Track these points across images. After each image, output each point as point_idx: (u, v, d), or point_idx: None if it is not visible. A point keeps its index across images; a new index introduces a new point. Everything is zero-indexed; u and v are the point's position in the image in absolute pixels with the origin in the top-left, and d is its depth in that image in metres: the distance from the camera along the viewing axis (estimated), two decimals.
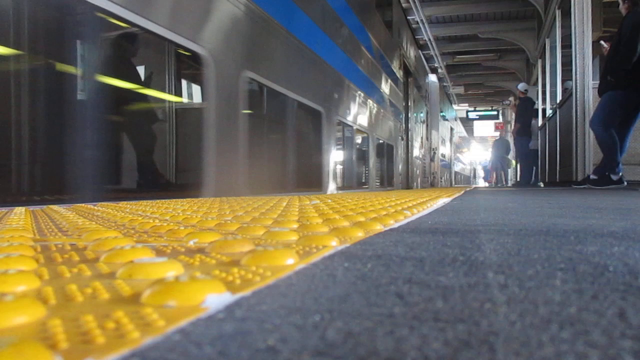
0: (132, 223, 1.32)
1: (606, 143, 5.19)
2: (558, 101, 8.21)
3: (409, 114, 12.06)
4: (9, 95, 2.56)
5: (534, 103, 10.67)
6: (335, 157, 6.68)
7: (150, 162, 3.79)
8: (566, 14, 7.66)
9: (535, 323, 0.38)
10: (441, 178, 14.31)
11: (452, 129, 20.35)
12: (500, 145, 15.57)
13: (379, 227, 1.11)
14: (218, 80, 3.73)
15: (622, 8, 5.08)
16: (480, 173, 30.52)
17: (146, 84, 3.89)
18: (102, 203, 2.43)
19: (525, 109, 10.19)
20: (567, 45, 7.49)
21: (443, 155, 15.06)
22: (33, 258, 0.70)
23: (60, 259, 0.73)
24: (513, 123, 10.79)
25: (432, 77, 14.85)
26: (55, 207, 2.07)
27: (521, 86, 10.63)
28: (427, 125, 14.15)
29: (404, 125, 11.57)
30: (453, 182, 15.44)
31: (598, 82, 5.61)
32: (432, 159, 13.76)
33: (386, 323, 0.38)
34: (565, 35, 7.69)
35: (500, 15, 13.87)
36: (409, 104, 12.03)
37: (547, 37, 9.81)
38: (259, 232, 1.07)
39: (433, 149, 13.99)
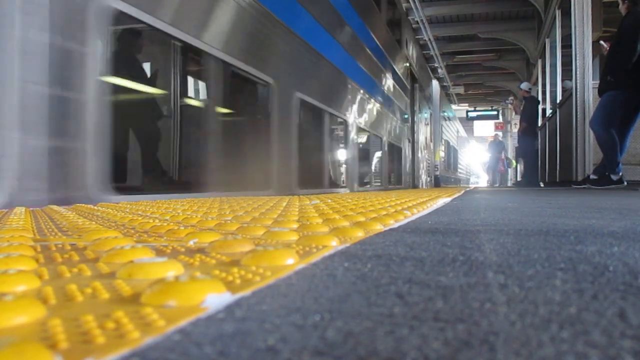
0: (132, 223, 1.31)
1: (606, 143, 5.19)
2: (558, 101, 8.21)
3: (415, 117, 12.28)
4: None
5: (539, 102, 10.61)
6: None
7: None
8: (566, 14, 7.66)
9: (535, 323, 0.38)
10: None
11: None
12: (495, 148, 16.10)
13: (379, 227, 1.11)
14: None
15: (622, 8, 5.08)
16: (481, 173, 30.51)
17: None
18: (102, 203, 2.42)
19: (532, 108, 10.13)
20: (567, 45, 7.49)
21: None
22: (33, 258, 0.70)
23: (60, 259, 0.73)
24: (518, 122, 10.69)
25: (435, 83, 15.13)
26: (55, 207, 2.06)
27: (524, 85, 10.56)
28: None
29: (410, 127, 11.85)
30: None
31: (598, 82, 5.61)
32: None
33: (386, 323, 0.38)
34: (565, 35, 7.69)
35: (500, 15, 13.85)
36: (415, 109, 12.26)
37: (547, 37, 9.81)
38: (259, 232, 1.07)
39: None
